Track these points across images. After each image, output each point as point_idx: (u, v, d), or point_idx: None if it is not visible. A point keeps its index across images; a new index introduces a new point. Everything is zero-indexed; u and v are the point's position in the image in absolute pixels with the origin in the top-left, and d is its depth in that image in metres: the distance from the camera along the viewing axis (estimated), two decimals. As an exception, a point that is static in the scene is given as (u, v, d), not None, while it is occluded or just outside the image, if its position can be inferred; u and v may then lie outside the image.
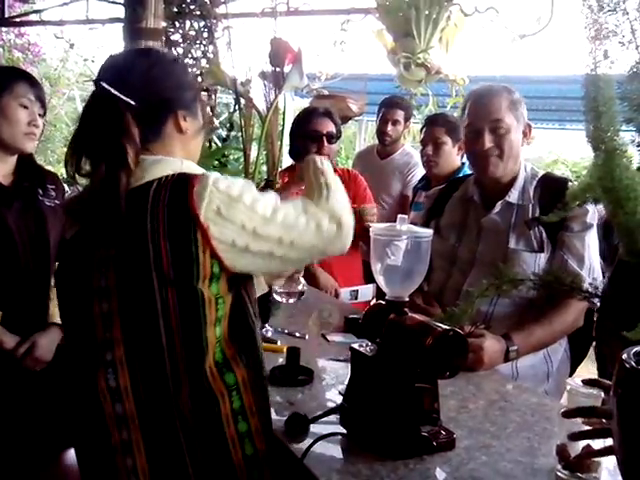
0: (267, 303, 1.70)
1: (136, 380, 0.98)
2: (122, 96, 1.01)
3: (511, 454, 1.08)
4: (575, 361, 1.78)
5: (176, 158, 1.06)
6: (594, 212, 1.61)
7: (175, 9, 3.75)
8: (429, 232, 1.13)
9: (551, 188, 1.63)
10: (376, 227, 1.14)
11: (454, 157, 2.84)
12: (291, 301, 1.64)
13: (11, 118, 1.63)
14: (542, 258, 1.60)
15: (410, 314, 1.12)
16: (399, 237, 1.12)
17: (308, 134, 2.49)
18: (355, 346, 1.19)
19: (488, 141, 1.64)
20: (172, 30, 3.75)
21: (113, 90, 1.01)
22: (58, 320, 1.72)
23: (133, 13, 3.39)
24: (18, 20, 5.68)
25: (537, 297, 1.58)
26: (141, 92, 1.03)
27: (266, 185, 1.82)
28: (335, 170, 2.73)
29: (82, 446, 1.10)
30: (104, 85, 1.01)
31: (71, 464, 1.44)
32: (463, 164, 2.83)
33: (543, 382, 1.64)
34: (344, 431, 1.14)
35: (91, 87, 1.06)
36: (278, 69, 1.94)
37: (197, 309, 0.97)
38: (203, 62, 3.86)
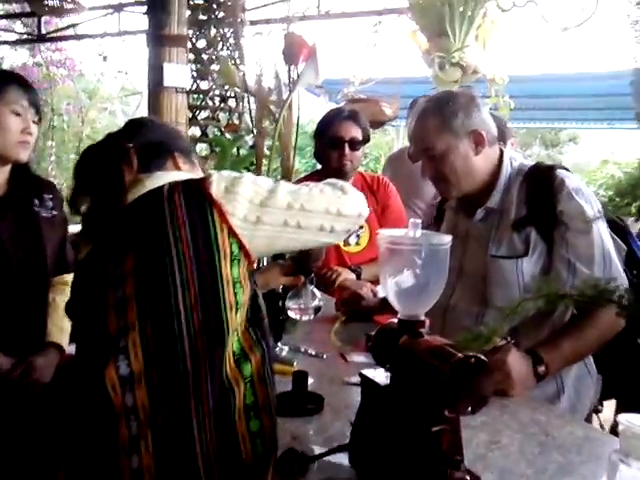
0: (280, 319, 1.56)
1: (151, 364, 0.94)
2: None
3: (551, 505, 0.90)
4: (609, 385, 1.58)
5: (181, 172, 1.13)
6: (593, 205, 1.43)
7: (201, 15, 3.69)
8: (447, 239, 0.96)
9: (537, 181, 1.48)
10: (384, 234, 0.98)
11: None
12: (305, 318, 1.49)
13: (2, 126, 1.53)
14: (525, 262, 1.44)
15: (426, 337, 0.95)
16: (411, 245, 0.96)
17: (330, 139, 2.34)
18: (366, 372, 1.04)
19: (428, 169, 1.55)
20: (197, 35, 3.67)
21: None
22: (56, 339, 1.61)
23: (156, 20, 3.33)
24: (54, 35, 5.76)
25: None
26: (144, 136, 1.16)
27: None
28: (362, 176, 2.57)
29: (83, 449, 1.00)
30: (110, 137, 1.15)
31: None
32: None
33: (553, 403, 1.44)
34: (352, 472, 0.98)
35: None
36: (292, 66, 1.81)
37: (217, 288, 0.96)
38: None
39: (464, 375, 0.84)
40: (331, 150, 2.35)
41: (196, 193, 0.99)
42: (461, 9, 3.95)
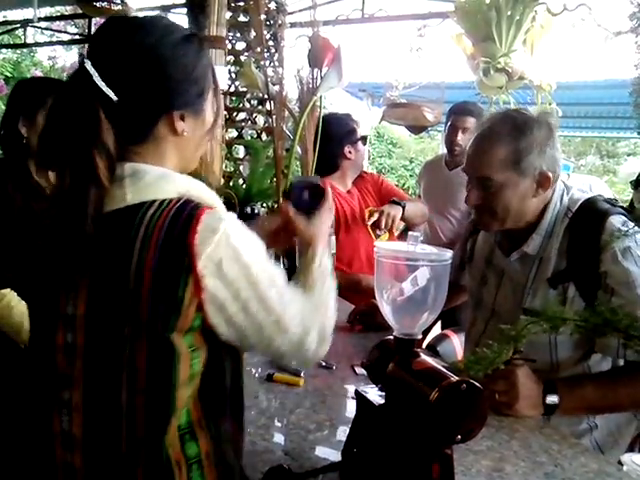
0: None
1: (89, 431, 0.82)
2: (102, 85, 0.80)
3: None
4: None
5: (182, 176, 0.86)
6: None
7: (241, 17, 3.69)
8: (447, 255, 0.91)
9: (582, 229, 1.30)
10: (381, 247, 0.93)
11: None
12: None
13: None
14: None
15: (422, 357, 0.90)
16: (409, 260, 0.91)
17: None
18: (362, 389, 0.99)
19: (475, 197, 1.36)
20: (237, 37, 3.68)
21: (95, 75, 0.80)
22: None
23: (195, 22, 3.35)
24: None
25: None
26: (129, 82, 0.82)
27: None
28: (362, 176, 2.60)
29: None
30: (88, 67, 0.80)
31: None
32: None
33: (583, 438, 1.34)
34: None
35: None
36: (316, 70, 1.78)
37: (170, 367, 0.80)
38: (269, 71, 3.77)
39: (454, 401, 0.79)
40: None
41: (179, 245, 0.77)
42: (509, 13, 3.84)
